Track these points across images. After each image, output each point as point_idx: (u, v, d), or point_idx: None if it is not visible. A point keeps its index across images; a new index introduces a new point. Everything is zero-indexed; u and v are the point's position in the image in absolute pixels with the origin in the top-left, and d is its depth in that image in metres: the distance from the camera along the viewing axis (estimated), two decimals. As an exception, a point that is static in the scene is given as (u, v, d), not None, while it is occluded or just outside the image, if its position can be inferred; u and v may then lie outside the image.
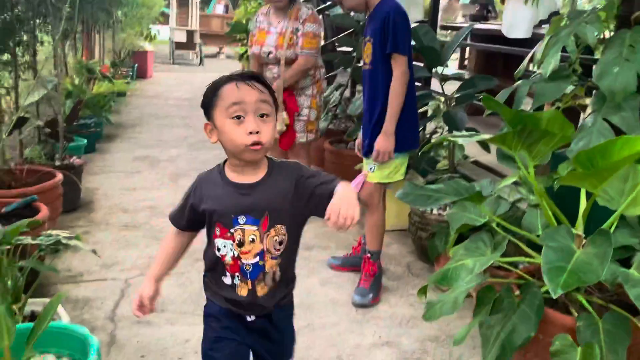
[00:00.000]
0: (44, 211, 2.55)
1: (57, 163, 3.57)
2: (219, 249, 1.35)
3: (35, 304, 1.99)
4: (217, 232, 1.34)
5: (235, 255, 1.33)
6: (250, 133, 1.24)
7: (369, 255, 2.63)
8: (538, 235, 1.93)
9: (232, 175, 1.34)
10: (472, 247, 1.81)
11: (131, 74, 9.32)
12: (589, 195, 1.81)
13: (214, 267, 1.39)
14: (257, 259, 1.33)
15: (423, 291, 1.90)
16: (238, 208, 1.31)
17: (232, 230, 1.32)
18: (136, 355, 2.10)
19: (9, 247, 1.86)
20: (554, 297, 1.39)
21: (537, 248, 1.82)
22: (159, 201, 3.88)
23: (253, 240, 1.32)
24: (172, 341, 2.20)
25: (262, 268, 1.34)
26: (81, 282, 2.68)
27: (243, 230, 1.31)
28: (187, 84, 10.08)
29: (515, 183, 2.28)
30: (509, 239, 1.90)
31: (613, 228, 1.81)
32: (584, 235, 1.72)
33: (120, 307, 2.45)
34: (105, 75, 6.74)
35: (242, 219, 1.31)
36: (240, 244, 1.32)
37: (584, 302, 1.72)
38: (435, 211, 2.88)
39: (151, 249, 3.06)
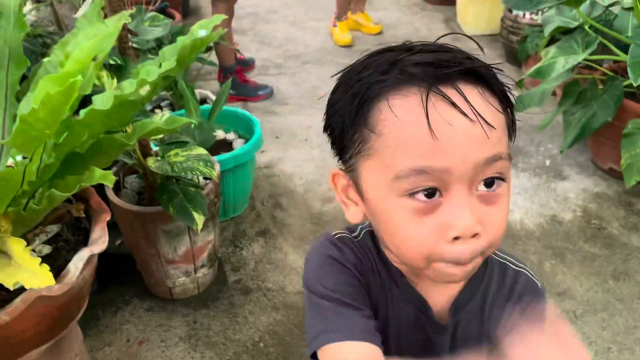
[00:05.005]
0: (177, 16, 2.93)
1: (167, -29, 3.85)
2: None
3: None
4: None
5: None
6: (456, 239, 0.53)
7: None
8: (627, 37, 2.14)
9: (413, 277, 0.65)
10: (565, 46, 2.07)
11: None
12: (682, -2, 1.97)
13: None
14: None
15: (520, 83, 2.23)
16: None
17: None
18: (272, 135, 2.61)
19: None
20: (635, 85, 1.69)
21: (625, 49, 2.05)
22: (257, 8, 4.17)
23: None
24: (298, 126, 2.69)
25: None
26: (210, 79, 3.16)
27: None
28: None
29: (612, -13, 2.43)
30: (599, 40, 2.14)
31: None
32: (671, 35, 1.94)
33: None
34: None
35: None
36: None
37: (660, 94, 2.01)
38: (527, 15, 3.05)
39: (262, 52, 3.46)
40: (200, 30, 0.92)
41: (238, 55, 3.06)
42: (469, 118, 0.51)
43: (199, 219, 1.39)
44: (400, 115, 0.52)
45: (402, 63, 0.53)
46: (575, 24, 2.25)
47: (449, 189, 0.52)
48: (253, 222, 2.09)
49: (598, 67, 2.26)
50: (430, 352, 0.65)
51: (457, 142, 0.51)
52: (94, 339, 1.65)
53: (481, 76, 0.53)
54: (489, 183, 0.54)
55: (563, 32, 2.32)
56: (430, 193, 0.52)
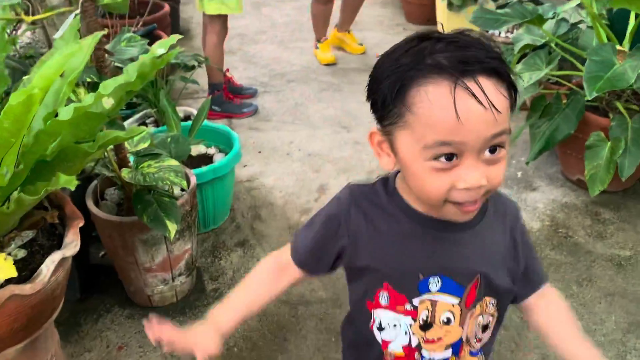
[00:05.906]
0: (164, 38, 3.03)
1: (159, -6, 3.98)
2: (380, 327, 0.85)
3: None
4: (383, 299, 0.84)
5: (414, 343, 0.84)
6: (467, 190, 0.72)
7: None
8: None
9: (418, 204, 0.83)
10: (530, 62, 2.16)
11: None
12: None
13: (362, 353, 0.91)
14: (449, 354, 0.85)
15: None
16: (432, 264, 0.82)
17: (415, 302, 0.83)
18: (255, 150, 2.70)
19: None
20: (589, 99, 1.78)
21: (589, 64, 2.14)
22: (246, 29, 4.29)
23: (448, 321, 0.83)
24: (279, 142, 2.78)
25: None
26: (198, 97, 3.26)
27: (434, 303, 0.82)
28: None
29: (579, 5, 2.53)
30: (565, 57, 2.24)
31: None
32: (629, 51, 2.03)
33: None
34: None
35: (435, 284, 0.82)
36: (426, 326, 0.83)
37: (621, 107, 2.10)
38: (502, 34, 3.16)
39: (248, 71, 3.56)
40: (159, 48, 1.01)
41: (235, 82, 3.18)
42: (484, 106, 0.68)
43: (172, 227, 1.46)
44: (432, 100, 0.69)
45: (435, 54, 0.70)
46: (542, 41, 2.36)
47: (463, 156, 0.71)
48: (233, 233, 2.16)
49: (565, 82, 2.36)
50: (443, 257, 0.83)
51: (473, 123, 0.68)
52: (75, 345, 1.72)
53: (496, 70, 0.70)
54: (492, 150, 0.72)
55: (533, 49, 2.42)
56: (449, 157, 0.71)
